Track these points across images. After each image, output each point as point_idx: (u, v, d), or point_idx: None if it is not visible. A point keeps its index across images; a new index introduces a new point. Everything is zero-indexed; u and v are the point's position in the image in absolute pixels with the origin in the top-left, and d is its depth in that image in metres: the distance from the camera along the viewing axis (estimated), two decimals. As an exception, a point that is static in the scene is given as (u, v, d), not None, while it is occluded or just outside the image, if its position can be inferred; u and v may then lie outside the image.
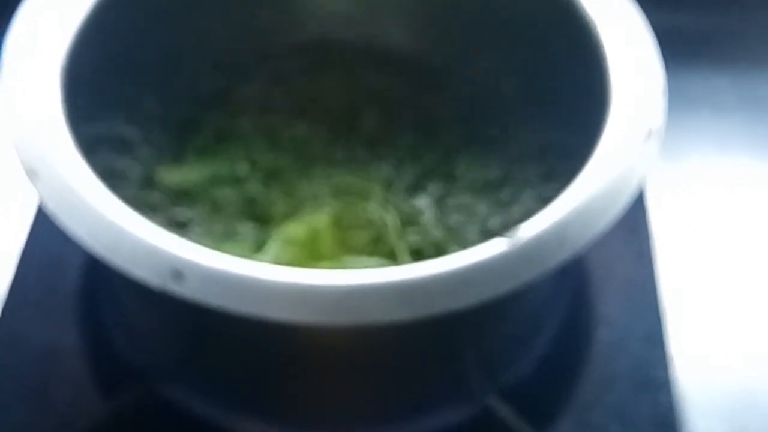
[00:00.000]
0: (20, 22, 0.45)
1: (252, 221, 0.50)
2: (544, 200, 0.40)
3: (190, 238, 0.38)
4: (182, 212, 0.50)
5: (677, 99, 0.45)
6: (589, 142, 0.42)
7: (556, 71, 0.49)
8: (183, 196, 0.50)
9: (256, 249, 0.48)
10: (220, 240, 0.49)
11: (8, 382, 0.49)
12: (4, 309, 0.52)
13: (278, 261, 0.47)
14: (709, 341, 0.53)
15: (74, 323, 0.51)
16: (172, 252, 0.38)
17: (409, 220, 0.50)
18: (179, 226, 0.48)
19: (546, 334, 0.50)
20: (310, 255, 0.48)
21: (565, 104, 0.48)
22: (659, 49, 0.45)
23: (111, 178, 0.40)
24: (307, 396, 0.46)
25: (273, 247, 0.48)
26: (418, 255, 0.48)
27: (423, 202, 0.51)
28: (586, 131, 0.43)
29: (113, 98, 0.48)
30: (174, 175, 0.51)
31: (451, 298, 0.37)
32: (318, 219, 0.49)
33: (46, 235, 0.54)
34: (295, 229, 0.49)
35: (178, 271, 0.37)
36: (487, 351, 0.47)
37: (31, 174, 0.39)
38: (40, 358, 0.50)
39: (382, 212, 0.50)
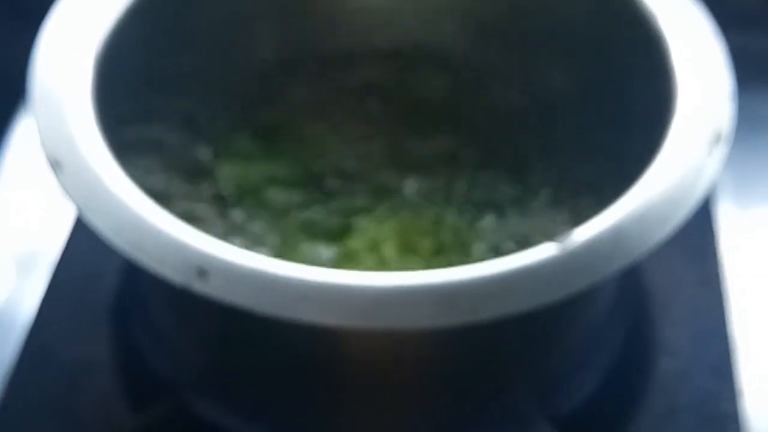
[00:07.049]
0: (56, 15, 0.44)
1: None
2: (603, 205, 0.37)
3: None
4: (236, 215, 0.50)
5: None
6: (651, 146, 0.39)
7: (619, 72, 0.46)
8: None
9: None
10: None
11: (38, 395, 0.47)
12: (35, 321, 0.50)
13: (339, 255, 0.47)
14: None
15: (106, 337, 0.49)
16: (197, 249, 0.36)
17: (474, 235, 0.48)
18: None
19: (603, 361, 0.47)
20: (375, 260, 0.47)
21: (627, 106, 0.45)
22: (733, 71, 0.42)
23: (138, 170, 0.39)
24: (339, 411, 0.43)
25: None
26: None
27: (488, 219, 0.49)
28: (649, 135, 0.40)
29: (147, 93, 0.47)
30: (232, 170, 0.51)
31: (493, 304, 0.34)
32: (383, 227, 0.48)
33: (81, 249, 0.53)
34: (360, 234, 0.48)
35: (203, 269, 0.35)
36: (536, 370, 0.43)
37: (55, 165, 0.38)
38: (70, 371, 0.48)
39: (450, 224, 0.49)
